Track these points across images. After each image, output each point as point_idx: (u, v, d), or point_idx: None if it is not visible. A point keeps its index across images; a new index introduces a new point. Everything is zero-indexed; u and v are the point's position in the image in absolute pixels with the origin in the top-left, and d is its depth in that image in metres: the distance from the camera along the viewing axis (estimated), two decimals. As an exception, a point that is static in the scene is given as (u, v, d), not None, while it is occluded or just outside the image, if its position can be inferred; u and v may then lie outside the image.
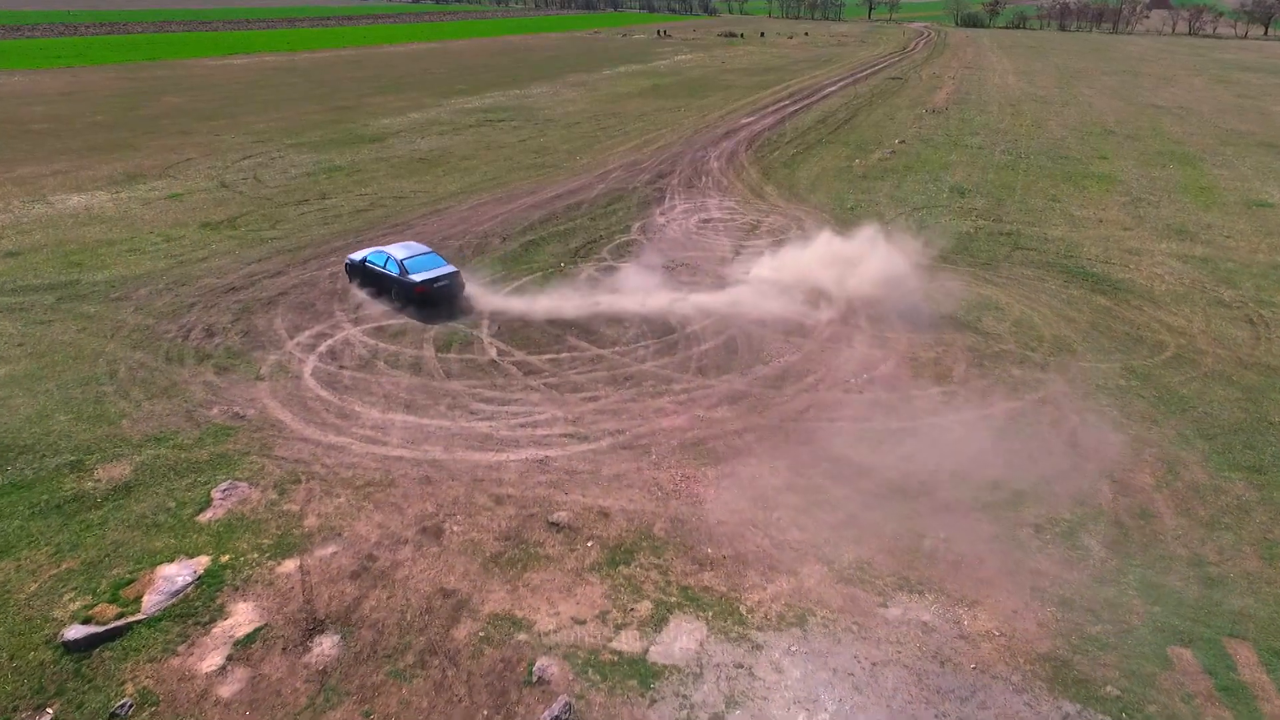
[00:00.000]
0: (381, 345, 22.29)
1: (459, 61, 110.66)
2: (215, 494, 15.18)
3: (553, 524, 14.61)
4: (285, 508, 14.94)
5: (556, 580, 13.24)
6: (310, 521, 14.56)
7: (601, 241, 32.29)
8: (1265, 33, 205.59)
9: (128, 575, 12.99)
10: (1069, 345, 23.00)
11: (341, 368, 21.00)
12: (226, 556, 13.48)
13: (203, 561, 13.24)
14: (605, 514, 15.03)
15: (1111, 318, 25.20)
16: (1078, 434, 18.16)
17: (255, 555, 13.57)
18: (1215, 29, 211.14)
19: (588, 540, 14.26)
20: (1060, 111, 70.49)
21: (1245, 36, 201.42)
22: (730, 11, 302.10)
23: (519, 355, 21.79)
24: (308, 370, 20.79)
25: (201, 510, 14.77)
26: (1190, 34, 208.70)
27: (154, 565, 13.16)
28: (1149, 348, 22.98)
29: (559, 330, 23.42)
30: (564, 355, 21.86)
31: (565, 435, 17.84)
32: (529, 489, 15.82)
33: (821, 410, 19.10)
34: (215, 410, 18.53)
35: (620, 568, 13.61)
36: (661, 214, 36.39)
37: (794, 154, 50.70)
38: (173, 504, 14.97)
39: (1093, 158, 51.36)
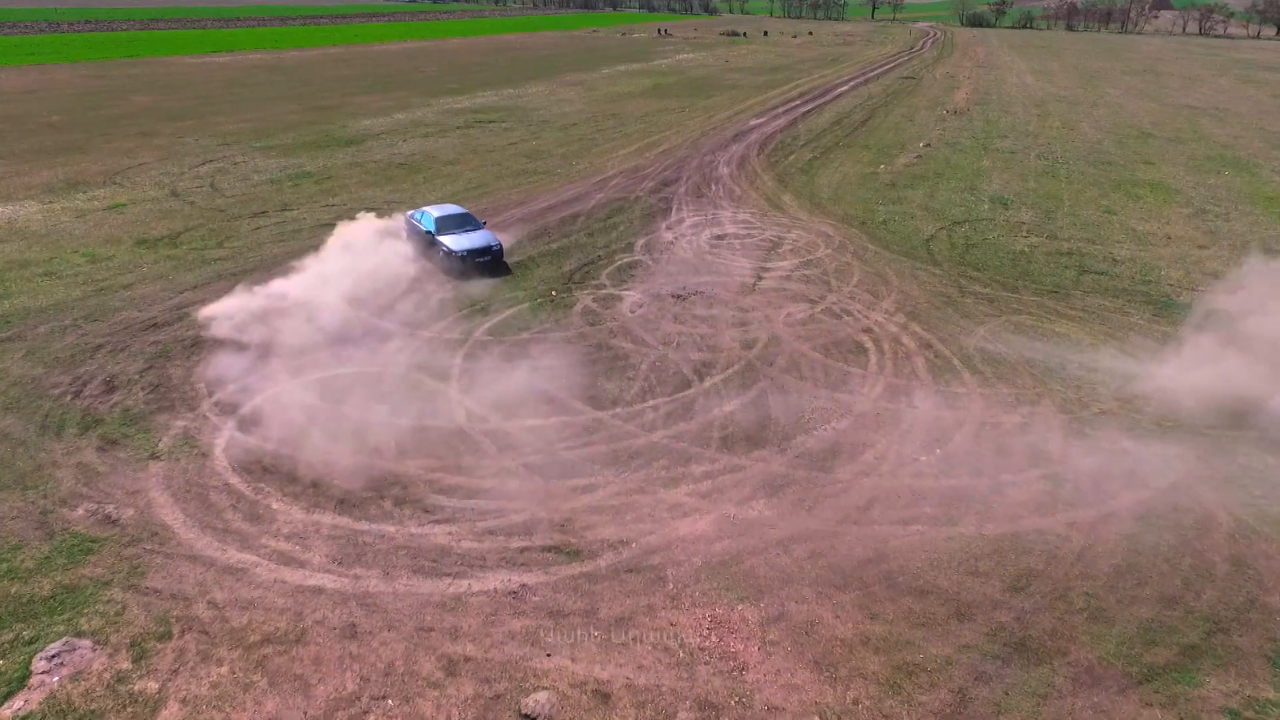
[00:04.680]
0: (321, 406, 17.60)
1: (452, 60, 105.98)
2: (38, 664, 10.50)
3: (526, 718, 9.95)
4: (137, 687, 10.26)
5: (529, 836, 8.59)
6: (169, 714, 9.89)
7: (600, 262, 27.65)
8: (1278, 33, 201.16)
9: None
10: (1183, 403, 18.34)
11: (265, 439, 16.32)
12: (19, 796, 8.84)
13: (-21, 807, 8.59)
14: (604, 695, 10.37)
15: (1223, 364, 20.53)
16: (1236, 543, 13.54)
17: (67, 790, 8.91)
18: (1226, 29, 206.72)
19: (578, 749, 9.61)
20: (1089, 113, 65.95)
21: (1258, 36, 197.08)
22: (731, 10, 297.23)
23: (494, 421, 17.11)
24: (220, 443, 16.11)
25: (8, 696, 10.08)
26: (1200, 34, 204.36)
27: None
28: (1284, 407, 18.34)
29: (547, 383, 18.78)
30: (551, 420, 17.19)
31: (549, 548, 13.18)
32: (496, 645, 11.15)
33: (890, 506, 14.46)
34: (81, 510, 13.83)
35: (627, 805, 8.97)
36: (668, 228, 31.77)
37: (811, 158, 46.09)
38: (-29, 682, 10.30)
39: (1137, 163, 46.81)
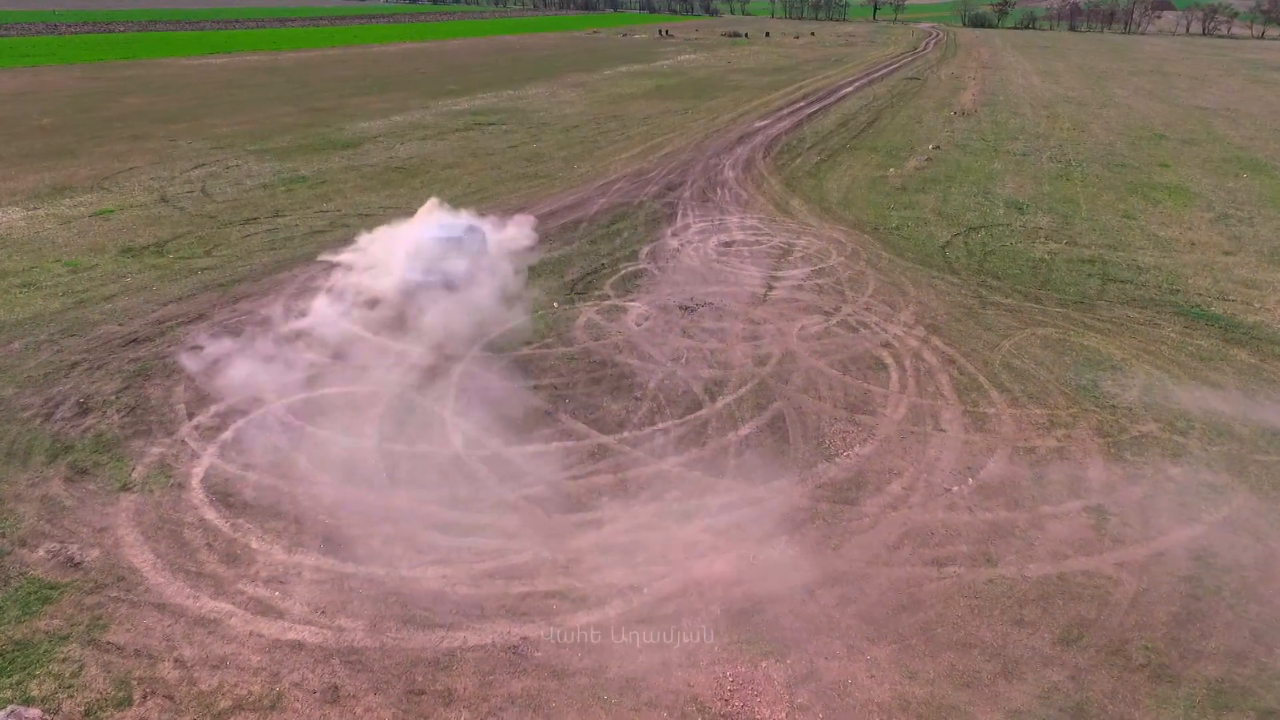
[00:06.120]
0: (310, 429, 16.46)
1: (452, 61, 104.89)
2: (-22, 739, 9.39)
3: (528, 804, 8.82)
4: (90, 766, 9.14)
5: None
6: (123, 800, 8.77)
7: (603, 271, 26.50)
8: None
9: None
10: (1229, 427, 17.19)
11: (247, 467, 15.18)
12: None
13: None
14: (615, 774, 9.24)
15: (1266, 382, 19.42)
16: (1305, 587, 12.38)
17: None
18: (1230, 29, 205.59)
19: (587, 843, 8.48)
20: (1099, 114, 64.84)
21: (1261, 37, 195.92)
22: (732, 12, 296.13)
23: (492, 446, 15.97)
24: (199, 473, 14.97)
25: (-56, 778, 8.98)
26: (1204, 34, 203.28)
27: None
28: (1337, 429, 17.21)
29: (548, 404, 17.65)
30: (554, 446, 16.05)
31: (553, 594, 12.03)
32: (493, 712, 10.00)
33: (922, 544, 13.31)
34: (41, 551, 12.69)
35: None
36: (673, 234, 30.62)
37: (818, 161, 44.94)
38: (-97, 761, 9.17)
39: (1152, 166, 45.67)
